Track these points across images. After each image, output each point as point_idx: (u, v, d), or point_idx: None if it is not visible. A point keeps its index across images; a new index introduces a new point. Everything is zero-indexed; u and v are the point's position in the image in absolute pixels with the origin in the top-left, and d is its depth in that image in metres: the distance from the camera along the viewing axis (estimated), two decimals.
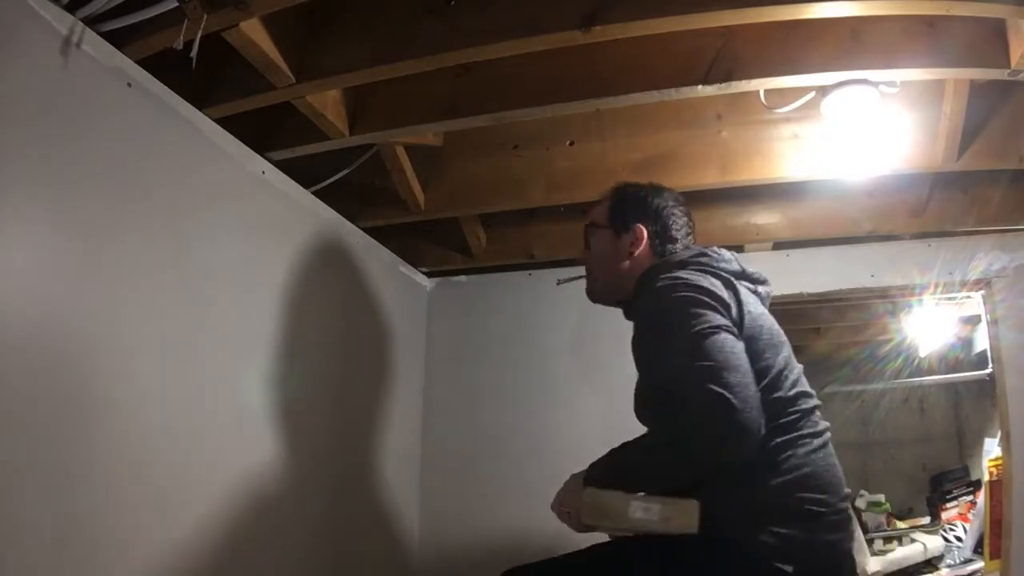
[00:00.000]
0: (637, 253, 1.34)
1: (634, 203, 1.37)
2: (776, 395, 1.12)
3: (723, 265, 1.26)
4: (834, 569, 1.10)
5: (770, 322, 1.22)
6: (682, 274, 1.18)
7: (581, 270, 1.44)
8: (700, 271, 1.21)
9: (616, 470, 1.13)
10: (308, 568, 1.77)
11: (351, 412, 2.04)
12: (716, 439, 1.01)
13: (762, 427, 1.01)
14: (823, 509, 1.08)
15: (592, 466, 1.17)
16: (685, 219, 1.39)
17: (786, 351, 1.19)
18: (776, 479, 1.08)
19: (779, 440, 1.09)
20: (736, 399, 0.98)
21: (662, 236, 1.35)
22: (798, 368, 1.20)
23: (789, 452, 1.09)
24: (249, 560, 1.54)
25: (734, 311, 1.15)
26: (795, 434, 1.11)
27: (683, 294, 1.13)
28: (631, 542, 1.20)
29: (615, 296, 1.38)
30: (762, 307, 1.25)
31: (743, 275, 1.28)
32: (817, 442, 1.13)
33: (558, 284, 1.58)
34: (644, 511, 1.05)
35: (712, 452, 1.03)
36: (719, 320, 1.09)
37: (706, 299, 1.12)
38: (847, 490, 1.15)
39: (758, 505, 1.08)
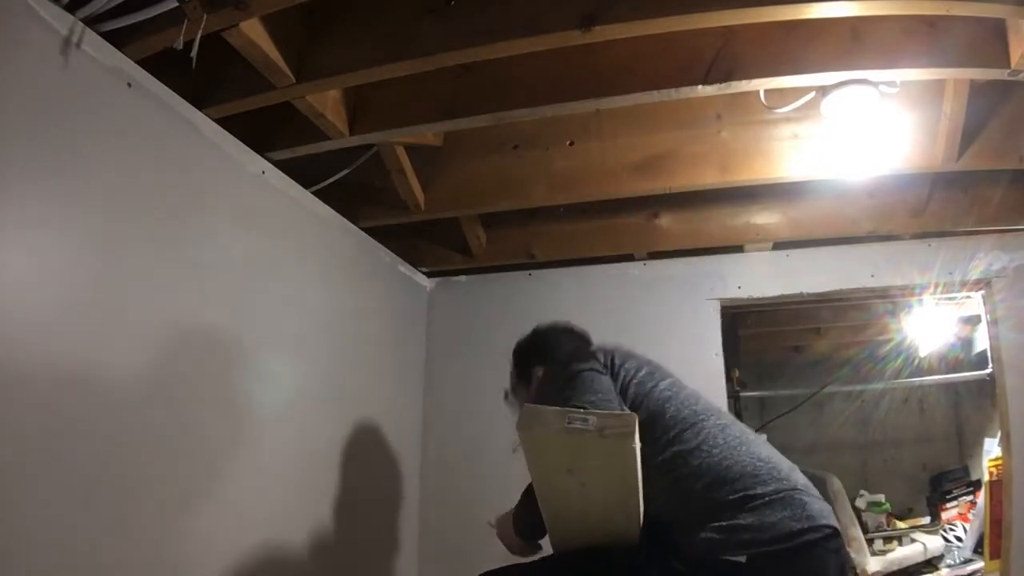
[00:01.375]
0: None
1: (524, 354, 1.57)
2: (669, 437, 1.22)
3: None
4: (792, 549, 1.11)
5: (643, 377, 1.32)
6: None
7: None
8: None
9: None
10: (308, 567, 1.77)
11: (351, 411, 2.04)
12: None
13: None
14: (744, 493, 1.13)
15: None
16: (576, 344, 1.52)
17: (662, 389, 1.30)
18: (694, 486, 1.16)
19: (679, 462, 1.19)
20: None
21: (562, 373, 1.43)
22: (681, 395, 1.29)
23: (688, 467, 1.18)
24: (249, 560, 1.54)
25: (616, 370, 1.32)
26: (686, 447, 1.20)
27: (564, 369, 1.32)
28: (602, 550, 1.24)
29: None
30: (647, 361, 1.38)
31: (647, 364, 1.39)
32: (716, 449, 1.20)
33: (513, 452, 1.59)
34: (581, 421, 1.10)
35: None
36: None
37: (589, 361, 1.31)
38: (782, 473, 1.18)
39: (691, 513, 1.16)
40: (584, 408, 1.12)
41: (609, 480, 1.13)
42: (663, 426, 1.23)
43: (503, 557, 1.40)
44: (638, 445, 1.09)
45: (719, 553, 1.11)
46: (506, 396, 1.68)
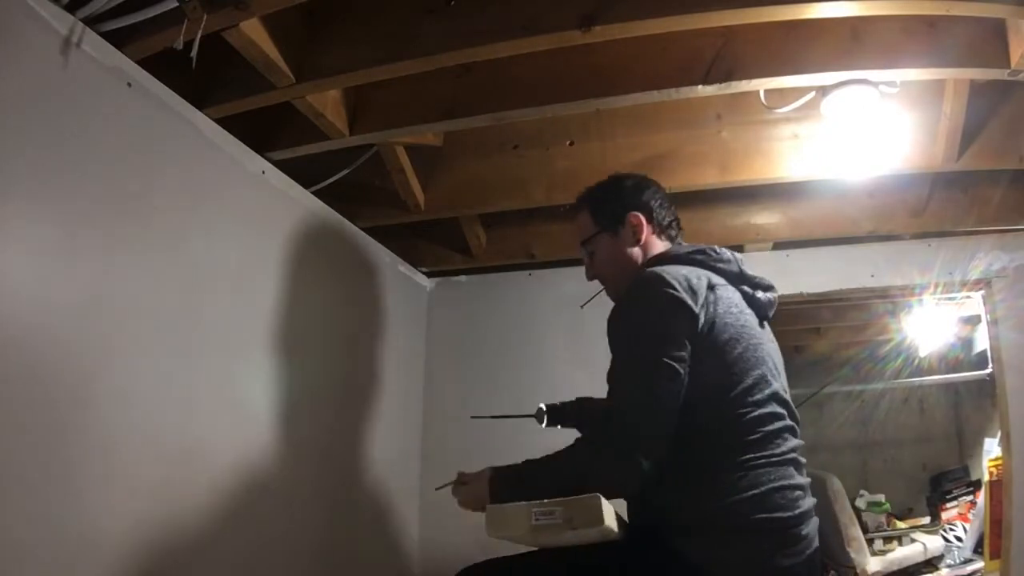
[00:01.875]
0: (643, 238, 1.34)
1: (612, 196, 1.37)
2: (739, 411, 1.13)
3: (720, 265, 1.25)
4: None
5: (753, 334, 1.19)
6: (674, 272, 1.17)
7: (596, 285, 1.44)
8: (693, 267, 1.21)
9: (518, 474, 1.21)
10: (308, 568, 1.77)
11: (351, 412, 2.04)
12: (604, 475, 1.11)
13: (646, 474, 1.07)
14: (774, 528, 1.08)
15: (496, 470, 1.25)
16: (666, 202, 1.38)
17: (763, 369, 1.17)
18: (730, 497, 1.09)
19: (737, 459, 1.11)
20: (636, 451, 1.07)
21: (657, 223, 1.35)
22: (774, 386, 1.18)
23: (742, 473, 1.10)
24: (248, 560, 1.54)
25: (702, 320, 1.14)
26: (750, 456, 1.11)
27: (655, 307, 1.14)
28: (593, 548, 1.22)
29: None
30: (750, 316, 1.22)
31: (742, 278, 1.27)
32: (774, 464, 1.12)
33: (582, 308, 1.57)
34: (547, 516, 1.07)
35: (597, 483, 1.08)
36: (671, 351, 1.10)
37: (674, 322, 1.12)
38: (802, 510, 1.13)
39: (710, 521, 1.10)
40: (547, 500, 1.07)
41: (588, 539, 1.11)
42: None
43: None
44: (612, 524, 1.06)
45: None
46: (540, 418, 1.65)
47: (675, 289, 1.14)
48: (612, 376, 1.15)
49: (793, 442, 1.17)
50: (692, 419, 1.11)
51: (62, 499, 1.11)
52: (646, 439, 1.08)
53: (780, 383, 1.21)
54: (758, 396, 1.15)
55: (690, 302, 1.13)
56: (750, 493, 1.09)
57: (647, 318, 1.15)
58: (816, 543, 1.14)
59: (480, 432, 2.50)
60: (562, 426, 1.64)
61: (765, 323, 1.29)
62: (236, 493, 1.51)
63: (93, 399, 1.18)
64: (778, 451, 1.13)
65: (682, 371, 1.10)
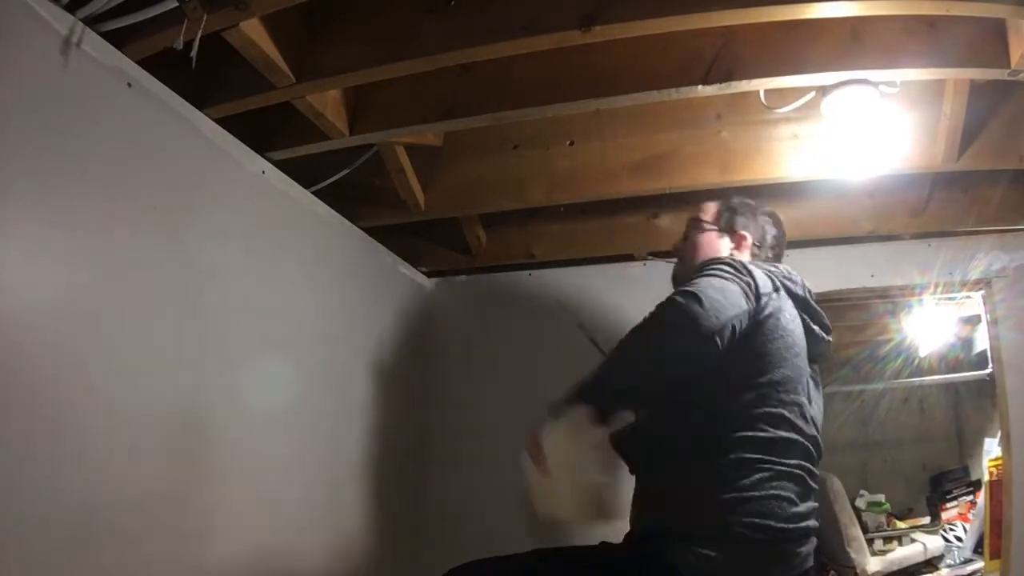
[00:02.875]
0: (738, 255, 1.41)
1: (744, 212, 1.47)
2: (760, 397, 1.14)
3: (787, 283, 1.30)
4: None
5: (794, 344, 1.22)
6: (747, 264, 1.24)
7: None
8: (762, 271, 1.26)
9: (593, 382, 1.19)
10: (308, 567, 1.77)
11: (351, 412, 2.04)
12: (674, 323, 1.12)
13: (719, 335, 1.09)
14: (764, 537, 1.08)
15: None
16: (780, 240, 1.49)
17: (791, 374, 1.20)
18: (727, 495, 1.10)
19: (739, 456, 1.12)
20: (703, 300, 1.10)
21: (761, 245, 1.45)
22: (801, 404, 1.19)
23: (745, 472, 1.11)
24: (249, 560, 1.54)
25: (765, 312, 1.18)
26: (758, 456, 1.12)
27: (726, 273, 1.19)
28: (586, 555, 1.23)
29: None
30: (797, 329, 1.25)
31: (805, 305, 1.32)
32: (780, 472, 1.13)
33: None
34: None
35: (668, 334, 1.13)
36: (737, 307, 1.14)
37: (741, 285, 1.17)
38: (799, 527, 1.13)
39: (707, 526, 1.10)
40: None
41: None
42: None
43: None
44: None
45: None
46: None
47: (748, 270, 1.20)
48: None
49: (799, 459, 1.17)
50: (715, 415, 1.14)
51: (62, 500, 1.11)
52: (712, 300, 1.10)
53: (811, 412, 1.23)
54: (785, 398, 1.17)
55: (759, 286, 1.19)
56: (751, 493, 1.09)
57: (725, 274, 1.19)
58: (809, 565, 1.14)
59: (480, 431, 2.50)
60: None
61: (814, 365, 1.32)
62: (234, 496, 1.51)
63: (90, 401, 1.18)
64: (785, 460, 1.14)
65: (743, 308, 1.14)
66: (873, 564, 3.17)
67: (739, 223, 1.45)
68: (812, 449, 1.19)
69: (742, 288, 1.16)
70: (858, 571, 3.08)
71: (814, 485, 1.19)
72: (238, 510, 1.51)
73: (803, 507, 1.14)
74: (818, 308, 1.35)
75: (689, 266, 1.42)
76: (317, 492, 1.83)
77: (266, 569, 1.61)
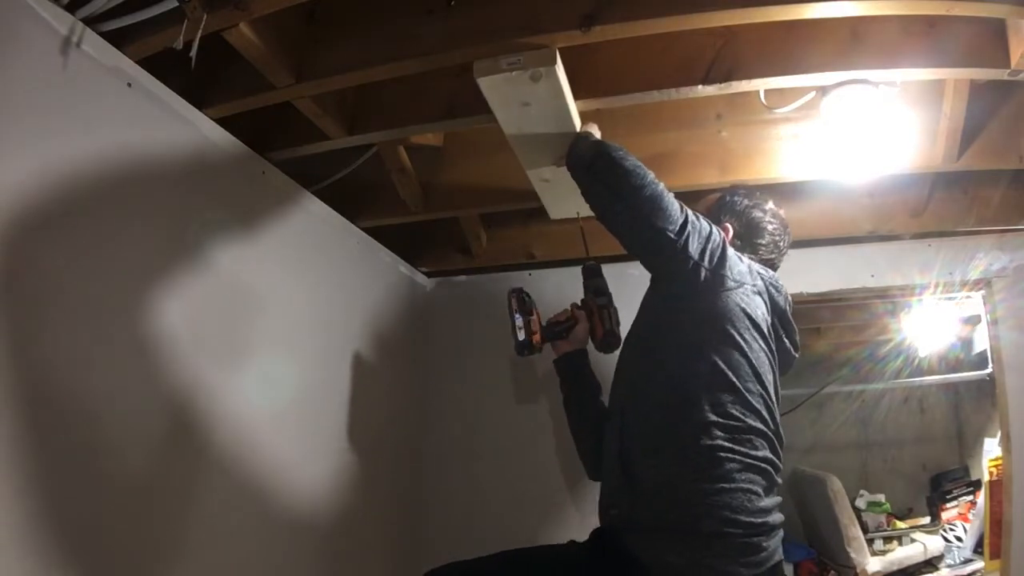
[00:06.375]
0: None
1: (734, 206, 1.52)
2: (730, 401, 1.16)
3: (771, 290, 1.36)
4: None
5: (762, 345, 1.26)
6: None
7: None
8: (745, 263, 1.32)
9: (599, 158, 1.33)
10: (309, 566, 1.77)
11: (350, 412, 2.04)
12: (648, 223, 1.24)
13: (683, 252, 1.22)
14: (732, 531, 1.09)
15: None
16: (775, 239, 1.51)
17: (765, 375, 1.23)
18: (697, 485, 1.11)
19: (710, 442, 1.13)
20: (685, 214, 1.24)
21: (745, 239, 1.47)
22: (768, 397, 1.22)
23: (716, 462, 1.12)
24: (249, 561, 1.54)
25: (729, 274, 1.25)
26: (728, 445, 1.13)
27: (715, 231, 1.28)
28: (552, 553, 1.24)
29: None
30: (767, 337, 1.29)
31: (782, 317, 1.37)
32: (748, 466, 1.14)
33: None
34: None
35: (638, 224, 1.26)
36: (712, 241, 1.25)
37: (725, 245, 1.26)
38: (766, 521, 1.13)
39: (673, 519, 1.11)
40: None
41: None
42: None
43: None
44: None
45: None
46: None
47: (733, 249, 1.30)
48: None
49: (765, 452, 1.18)
50: (686, 397, 1.16)
51: (65, 501, 1.11)
52: (695, 219, 1.25)
53: (772, 399, 1.25)
54: (756, 389, 1.19)
55: (738, 261, 1.29)
56: (719, 486, 1.10)
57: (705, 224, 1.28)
58: (778, 559, 1.14)
59: (480, 431, 2.50)
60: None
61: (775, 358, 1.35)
62: (235, 492, 1.51)
63: (87, 397, 1.18)
64: (753, 452, 1.15)
65: (718, 237, 1.26)
66: (873, 564, 3.17)
67: (725, 215, 1.50)
68: (777, 444, 1.21)
69: (727, 248, 1.26)
70: (858, 571, 3.09)
71: (778, 480, 1.20)
72: (235, 506, 1.51)
73: (768, 501, 1.15)
74: (795, 325, 1.40)
75: None
76: (316, 491, 1.83)
77: (264, 563, 1.61)
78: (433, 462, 2.50)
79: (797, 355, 1.41)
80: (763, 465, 1.16)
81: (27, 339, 1.08)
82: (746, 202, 1.52)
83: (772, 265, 1.50)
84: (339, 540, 1.92)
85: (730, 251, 1.27)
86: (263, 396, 1.62)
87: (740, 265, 1.29)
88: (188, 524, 1.37)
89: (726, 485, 1.10)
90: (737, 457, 1.12)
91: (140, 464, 1.27)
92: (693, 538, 1.09)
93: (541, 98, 1.37)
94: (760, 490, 1.14)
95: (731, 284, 1.24)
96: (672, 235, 1.21)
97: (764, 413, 1.19)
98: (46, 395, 1.10)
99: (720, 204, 1.53)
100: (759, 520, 1.11)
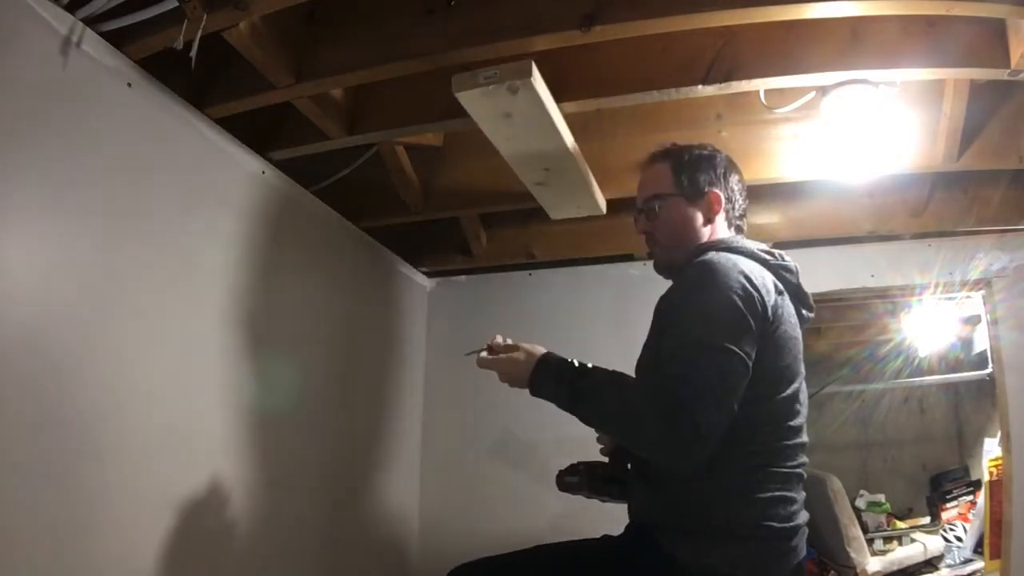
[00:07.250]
0: (716, 220, 1.28)
1: (701, 166, 1.29)
2: (777, 419, 1.12)
3: (784, 273, 1.22)
4: None
5: (800, 348, 1.19)
6: (747, 265, 1.14)
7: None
8: (760, 266, 1.18)
9: (573, 383, 1.18)
10: (309, 562, 1.77)
11: (351, 412, 2.04)
12: (656, 443, 1.02)
13: (699, 460, 1.01)
14: (768, 536, 1.09)
15: (547, 359, 1.26)
16: (744, 192, 1.34)
17: (800, 383, 1.17)
18: (738, 498, 1.09)
19: (756, 463, 1.10)
20: (696, 430, 0.98)
21: (731, 204, 1.30)
22: (804, 401, 1.18)
23: (756, 477, 1.10)
24: (250, 561, 1.54)
25: (770, 323, 1.11)
26: (768, 462, 1.11)
27: (734, 294, 1.08)
28: (587, 548, 1.21)
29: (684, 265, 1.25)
30: (798, 330, 1.21)
31: (797, 292, 1.24)
32: (785, 475, 1.13)
33: (465, 356, 1.42)
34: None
35: (645, 447, 1.07)
36: (744, 345, 1.05)
37: (748, 316, 1.07)
38: (796, 523, 1.13)
39: (708, 523, 1.10)
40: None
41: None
42: None
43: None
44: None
45: None
46: (466, 355, 1.45)
47: (753, 283, 1.10)
48: (672, 354, 1.06)
49: (803, 458, 1.17)
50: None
51: (62, 501, 1.11)
52: (712, 424, 0.99)
53: (805, 398, 1.21)
54: (796, 407, 1.15)
55: (765, 300, 1.10)
56: (756, 496, 1.09)
57: (724, 303, 1.07)
58: (804, 554, 1.14)
59: (480, 431, 2.50)
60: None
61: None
62: (235, 490, 1.51)
63: (89, 399, 1.18)
64: (790, 463, 1.14)
65: (749, 367, 1.06)
66: (873, 564, 3.17)
67: (703, 181, 1.27)
68: (807, 445, 1.19)
69: (754, 314, 1.07)
70: (858, 571, 3.08)
71: (805, 475, 1.18)
72: (235, 504, 1.51)
73: (799, 504, 1.14)
74: (806, 290, 1.26)
75: (672, 251, 1.29)
76: (316, 487, 1.83)
77: (265, 563, 1.61)
78: (433, 462, 2.50)
79: (812, 315, 1.29)
80: (797, 471, 1.14)
81: (29, 336, 1.08)
82: (702, 156, 1.31)
83: (740, 230, 1.34)
84: (338, 536, 1.92)
85: (745, 321, 1.06)
86: (262, 395, 1.63)
87: (768, 296, 1.11)
88: (188, 524, 1.37)
89: (762, 495, 1.09)
90: (775, 470, 1.11)
91: (138, 459, 1.27)
92: (727, 542, 1.08)
93: (522, 109, 1.36)
94: (794, 495, 1.13)
95: (773, 327, 1.11)
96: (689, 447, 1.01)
97: (804, 424, 1.16)
98: (45, 400, 1.10)
99: (687, 172, 1.28)
100: (791, 524, 1.11)
